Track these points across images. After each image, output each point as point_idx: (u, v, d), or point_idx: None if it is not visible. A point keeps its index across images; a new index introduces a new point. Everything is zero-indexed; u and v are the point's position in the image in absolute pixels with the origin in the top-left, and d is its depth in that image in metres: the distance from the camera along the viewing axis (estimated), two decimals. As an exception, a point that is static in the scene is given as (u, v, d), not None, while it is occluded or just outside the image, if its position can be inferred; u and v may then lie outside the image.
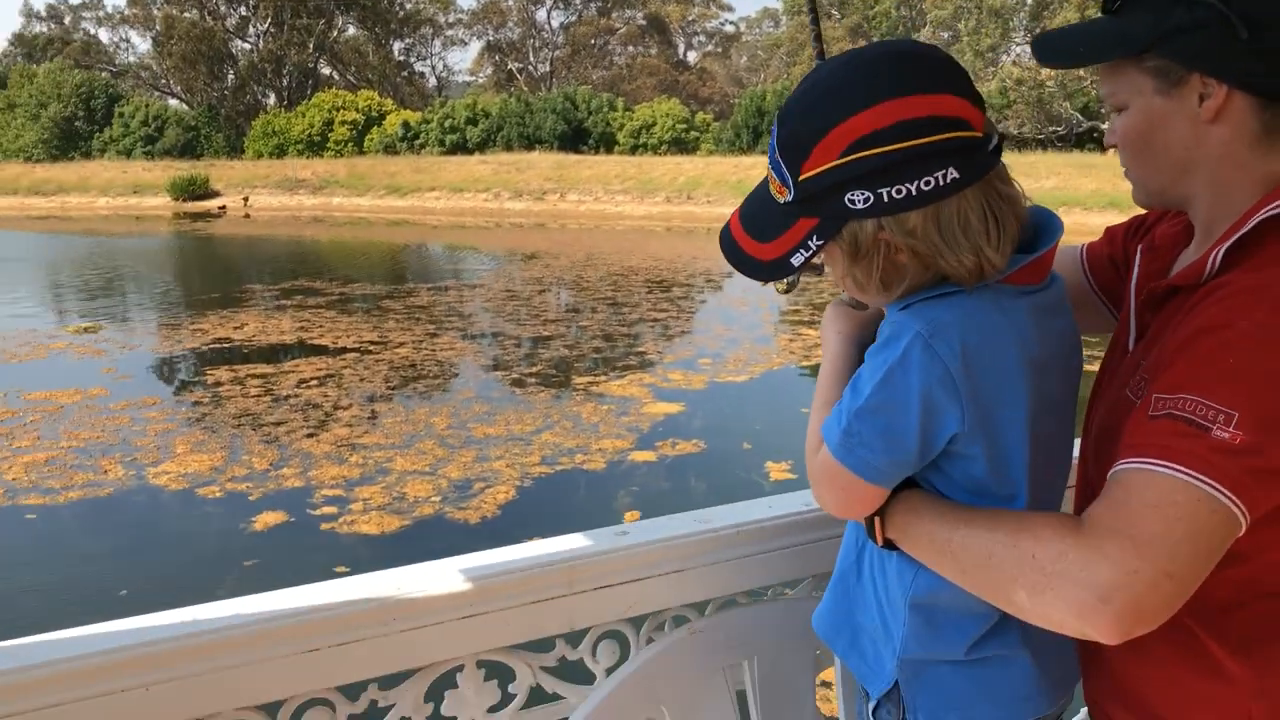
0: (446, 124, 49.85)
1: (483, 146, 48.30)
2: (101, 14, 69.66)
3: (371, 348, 13.94)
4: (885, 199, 1.11)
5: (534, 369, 12.86)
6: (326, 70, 67.62)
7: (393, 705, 1.37)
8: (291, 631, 1.25)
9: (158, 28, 63.32)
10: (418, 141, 50.07)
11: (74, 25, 70.32)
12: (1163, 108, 1.24)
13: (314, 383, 11.95)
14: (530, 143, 46.92)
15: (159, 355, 14.19)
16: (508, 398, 11.44)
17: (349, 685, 1.34)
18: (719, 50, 79.69)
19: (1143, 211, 1.44)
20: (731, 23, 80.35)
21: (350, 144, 51.26)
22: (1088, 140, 40.94)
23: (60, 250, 30.20)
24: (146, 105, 58.33)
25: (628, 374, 12.40)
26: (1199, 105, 1.21)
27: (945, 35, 41.32)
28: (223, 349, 14.21)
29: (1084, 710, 1.42)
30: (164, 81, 66.65)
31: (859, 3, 49.89)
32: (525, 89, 64.06)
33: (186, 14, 62.65)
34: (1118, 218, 1.63)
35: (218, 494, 8.23)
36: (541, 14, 72.56)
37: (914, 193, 1.10)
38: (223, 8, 63.93)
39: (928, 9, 40.56)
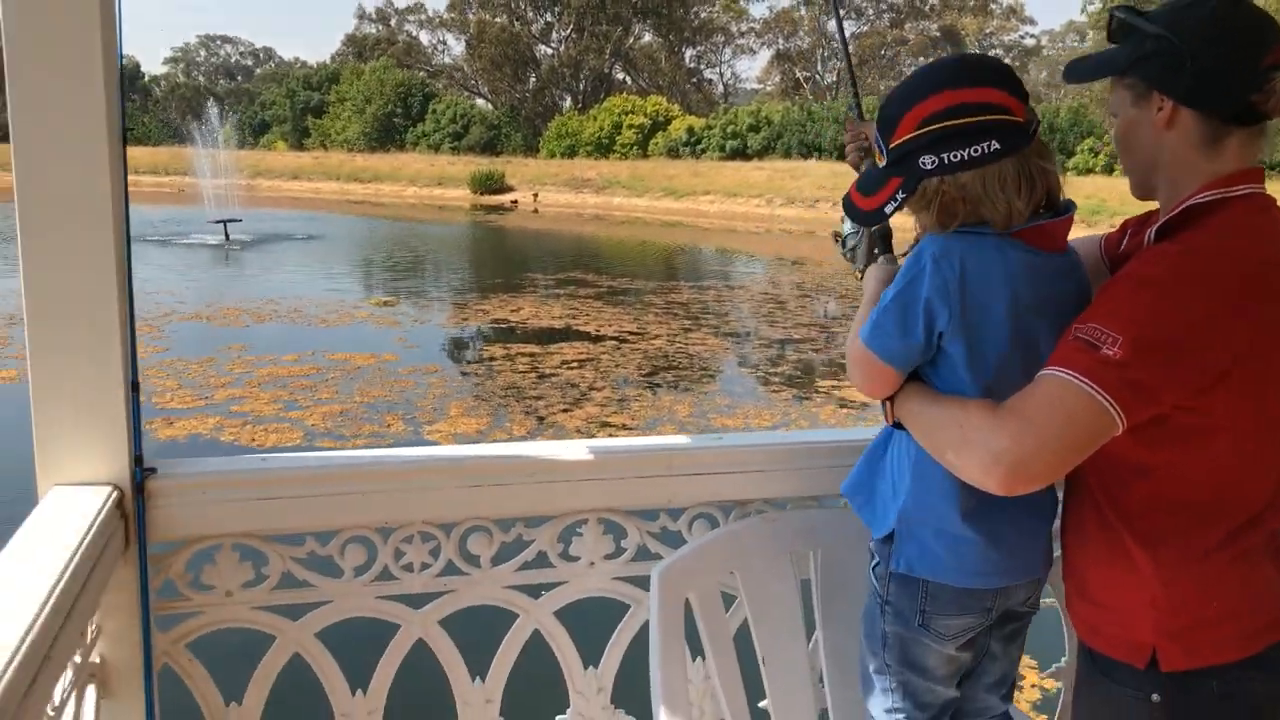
0: (729, 130, 50.82)
1: (763, 153, 48.84)
2: (423, 18, 75.30)
3: (630, 337, 14.73)
4: (946, 162, 1.53)
5: (780, 369, 13.25)
6: (620, 75, 70.41)
7: (534, 540, 1.87)
8: (460, 470, 1.78)
9: (471, 31, 67.93)
10: (700, 146, 51.34)
11: (399, 27, 76.32)
12: (1135, 117, 1.60)
13: (575, 364, 12.82)
14: (809, 151, 47.08)
15: (445, 329, 15.59)
16: (750, 393, 11.88)
17: (503, 519, 1.85)
18: (1017, 64, 76.63)
19: None
20: (1033, 35, 76.66)
21: (635, 147, 53.13)
22: None
23: (373, 232, 33.22)
24: (456, 104, 62.56)
25: (872, 381, 12.55)
26: (1156, 115, 1.54)
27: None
28: (500, 328, 15.44)
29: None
30: (473, 82, 71.36)
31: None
32: (811, 97, 64.27)
33: (497, 19, 66.88)
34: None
35: (479, 453, 9.12)
36: (832, 23, 72.52)
37: (966, 157, 1.52)
38: (530, 14, 67.84)
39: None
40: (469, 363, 13.32)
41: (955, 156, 1.52)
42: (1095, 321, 1.44)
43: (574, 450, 1.83)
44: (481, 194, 47.81)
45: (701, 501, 1.91)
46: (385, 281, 21.66)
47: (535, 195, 47.49)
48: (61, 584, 1.26)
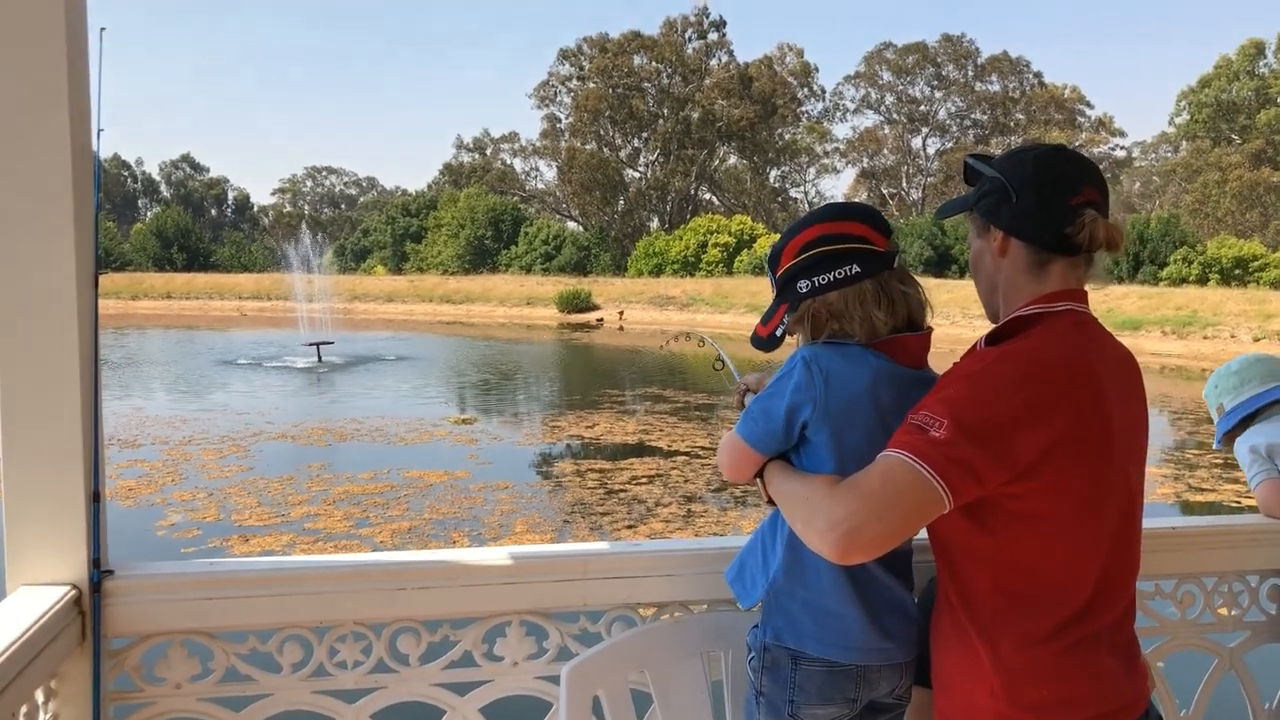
0: (814, 247, 51.21)
1: (847, 269, 48.99)
2: (517, 146, 78.21)
3: (701, 452, 14.82)
4: (816, 284, 1.80)
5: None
6: (706, 195, 71.90)
7: (460, 640, 2.02)
8: (386, 574, 1.95)
9: (562, 158, 70.29)
10: (784, 263, 51.69)
11: (493, 156, 79.34)
12: (980, 246, 1.80)
13: (644, 480, 12.95)
14: (894, 266, 47.10)
15: (519, 447, 15.88)
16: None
17: (430, 620, 2.01)
18: (1109, 175, 75.82)
19: None
20: (1123, 148, 76.22)
21: (720, 265, 53.88)
22: None
23: (460, 352, 34.07)
24: (548, 226, 64.46)
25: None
26: (993, 245, 1.71)
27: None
28: (572, 445, 15.69)
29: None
30: (564, 206, 73.56)
31: (1264, 128, 46.39)
32: (897, 213, 64.71)
33: (587, 146, 69.16)
34: None
35: (538, 568, 9.24)
36: (917, 141, 73.40)
37: (832, 280, 1.79)
38: (618, 140, 70.04)
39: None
40: (539, 479, 13.53)
41: (824, 279, 1.79)
42: (926, 409, 1.61)
43: (494, 556, 1.99)
44: (568, 312, 48.78)
45: (618, 604, 2.05)
46: (466, 400, 22.19)
47: (620, 313, 48.26)
48: None
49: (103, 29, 1.96)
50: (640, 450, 15.11)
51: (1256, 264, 38.72)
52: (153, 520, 10.66)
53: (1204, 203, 51.34)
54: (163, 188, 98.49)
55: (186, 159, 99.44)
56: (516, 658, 2.04)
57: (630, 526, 10.78)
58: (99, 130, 1.90)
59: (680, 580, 2.05)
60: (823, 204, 1.94)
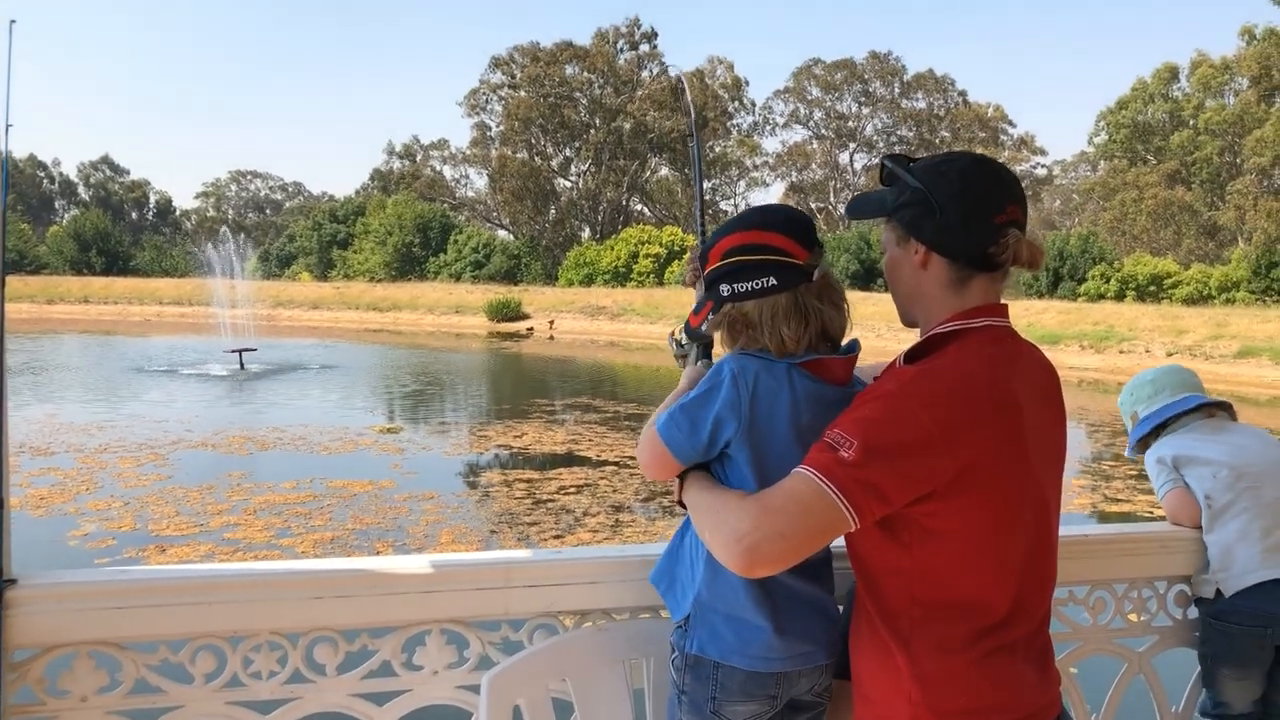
0: (743, 259, 51.56)
1: (776, 281, 49.45)
2: (447, 153, 77.56)
3: (630, 462, 14.80)
4: (736, 291, 1.80)
5: (775, 494, 13.25)
6: (638, 206, 72.08)
7: (379, 649, 1.99)
8: (303, 583, 1.92)
9: (493, 166, 69.91)
10: (715, 274, 51.99)
11: (423, 163, 78.60)
12: (898, 255, 1.79)
13: (572, 490, 12.91)
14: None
15: (446, 457, 15.73)
16: (743, 518, 11.88)
17: (348, 629, 1.97)
18: (1030, 193, 77.54)
19: None
20: (1044, 166, 78.07)
21: (652, 276, 54.00)
22: None
23: (386, 360, 33.68)
24: (478, 234, 63.98)
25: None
26: (914, 257, 1.72)
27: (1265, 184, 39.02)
28: (500, 455, 15.59)
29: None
30: (495, 214, 73.12)
31: (1177, 149, 47.81)
32: (825, 228, 65.43)
33: (518, 154, 68.87)
34: None
35: (463, 579, 9.16)
36: (844, 157, 74.35)
37: (750, 289, 1.79)
38: (550, 149, 69.87)
39: (1246, 155, 38.35)
40: (466, 489, 13.41)
41: (743, 287, 1.80)
42: (839, 428, 1.62)
43: (414, 564, 1.97)
44: (498, 321, 48.49)
45: (540, 612, 2.03)
46: (392, 409, 21.92)
47: (551, 322, 48.13)
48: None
49: (12, 21, 1.90)
50: (569, 460, 15.06)
51: (1170, 281, 39.86)
52: (65, 530, 10.35)
53: (1121, 221, 52.82)
54: (81, 189, 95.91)
55: (106, 160, 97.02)
56: (436, 667, 2.02)
57: (558, 536, 10.72)
58: (7, 126, 1.85)
59: (603, 588, 2.05)
60: (754, 206, 1.94)
